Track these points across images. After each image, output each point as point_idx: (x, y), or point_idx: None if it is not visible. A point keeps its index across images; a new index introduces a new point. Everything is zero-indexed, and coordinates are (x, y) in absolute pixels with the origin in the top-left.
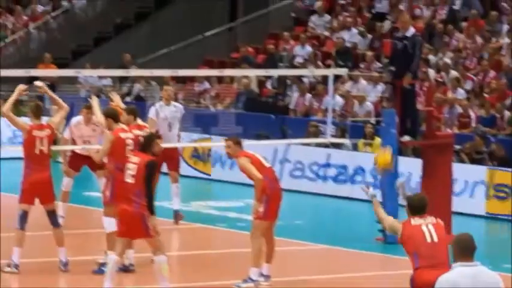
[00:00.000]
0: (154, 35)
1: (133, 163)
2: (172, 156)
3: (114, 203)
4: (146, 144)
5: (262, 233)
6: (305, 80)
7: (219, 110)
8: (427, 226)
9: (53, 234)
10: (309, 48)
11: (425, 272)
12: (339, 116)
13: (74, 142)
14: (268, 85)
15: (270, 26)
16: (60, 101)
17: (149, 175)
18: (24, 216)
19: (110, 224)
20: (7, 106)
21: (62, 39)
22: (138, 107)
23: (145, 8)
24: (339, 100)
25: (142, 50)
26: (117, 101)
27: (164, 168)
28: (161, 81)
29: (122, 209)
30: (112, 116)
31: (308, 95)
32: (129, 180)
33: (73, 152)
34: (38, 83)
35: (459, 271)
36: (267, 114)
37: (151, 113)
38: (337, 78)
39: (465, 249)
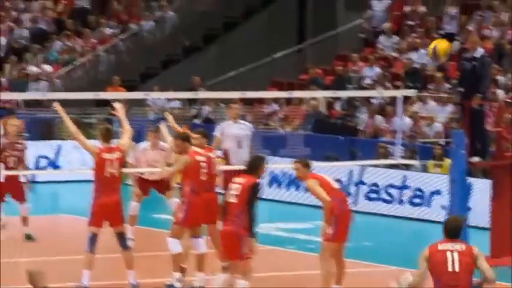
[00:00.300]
0: (222, 57)
1: (238, 183)
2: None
3: (186, 225)
4: (253, 166)
5: (331, 255)
6: (374, 101)
7: (287, 131)
8: (452, 254)
9: (123, 257)
10: (377, 70)
11: None
12: (408, 137)
13: (138, 164)
14: (337, 106)
15: (339, 48)
16: (127, 127)
17: (253, 197)
18: (93, 239)
19: (176, 246)
20: (74, 129)
21: (130, 62)
22: (207, 129)
23: (214, 31)
24: (408, 121)
25: (210, 72)
26: (171, 122)
27: None
28: (230, 103)
29: (222, 229)
30: (187, 139)
31: (377, 116)
32: (232, 200)
33: (140, 177)
34: (117, 105)
35: None
36: (336, 135)
37: (217, 131)
38: (406, 99)
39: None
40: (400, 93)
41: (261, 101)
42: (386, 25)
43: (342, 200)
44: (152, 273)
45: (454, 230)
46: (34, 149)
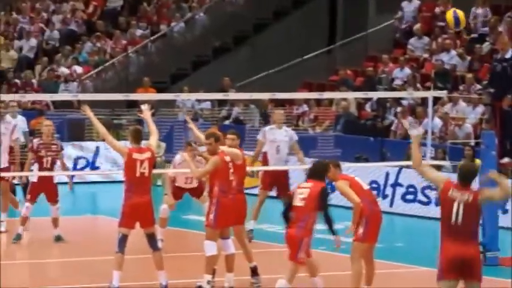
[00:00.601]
0: (252, 59)
1: (306, 188)
2: (280, 181)
3: (217, 227)
4: (319, 171)
5: (361, 255)
6: (404, 102)
7: (317, 132)
8: (459, 205)
9: (153, 258)
10: (407, 71)
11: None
12: (438, 138)
13: (175, 179)
14: (367, 107)
15: (369, 49)
16: (154, 129)
17: (325, 201)
18: (123, 240)
19: (212, 248)
20: (103, 131)
21: (160, 63)
22: (237, 130)
23: (244, 32)
24: (438, 122)
25: (240, 73)
26: (194, 128)
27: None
28: (260, 104)
29: (286, 233)
30: (218, 139)
31: (408, 117)
32: (299, 204)
33: (176, 185)
34: (144, 106)
35: None
36: (366, 136)
37: (260, 135)
38: (436, 100)
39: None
40: (430, 94)
41: (291, 102)
42: (417, 26)
43: (372, 201)
44: (182, 274)
45: (467, 176)
46: (71, 150)
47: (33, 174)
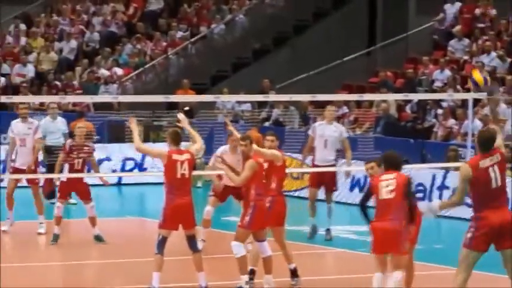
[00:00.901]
0: (292, 60)
1: (391, 179)
2: (328, 177)
3: (252, 228)
4: (397, 162)
5: None
6: (444, 104)
7: (357, 134)
8: (494, 167)
9: (193, 259)
10: (448, 72)
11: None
12: None
13: (221, 176)
14: (407, 109)
15: (409, 50)
16: (197, 135)
17: (411, 189)
18: (163, 242)
19: (240, 249)
20: (138, 143)
21: (200, 65)
22: (277, 132)
23: (284, 33)
24: (479, 124)
25: (280, 75)
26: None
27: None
28: (299, 106)
29: (377, 227)
30: (253, 141)
31: (449, 119)
32: (389, 196)
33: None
34: (180, 116)
35: None
36: (406, 138)
37: (310, 130)
38: (476, 102)
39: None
40: (470, 96)
41: (331, 104)
42: (457, 28)
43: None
44: (221, 276)
45: (488, 142)
46: (119, 152)
47: (63, 176)
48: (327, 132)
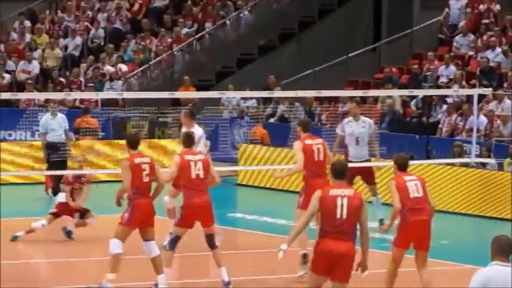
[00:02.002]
0: (298, 56)
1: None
2: (364, 171)
3: (130, 226)
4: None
5: (394, 258)
6: (449, 99)
7: None
8: (342, 200)
9: (213, 256)
10: (453, 68)
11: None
12: (484, 136)
13: None
14: (412, 105)
15: (414, 46)
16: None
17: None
18: (176, 240)
19: (116, 247)
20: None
21: (205, 61)
22: (282, 128)
23: (289, 30)
24: (484, 120)
25: (286, 71)
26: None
27: None
28: (305, 102)
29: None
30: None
31: (454, 115)
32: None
33: None
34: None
35: (495, 269)
36: (411, 134)
37: (338, 128)
38: (481, 97)
39: (502, 250)
40: (475, 92)
41: (336, 100)
42: (462, 24)
43: (412, 209)
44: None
45: (341, 171)
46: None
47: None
48: (356, 129)
